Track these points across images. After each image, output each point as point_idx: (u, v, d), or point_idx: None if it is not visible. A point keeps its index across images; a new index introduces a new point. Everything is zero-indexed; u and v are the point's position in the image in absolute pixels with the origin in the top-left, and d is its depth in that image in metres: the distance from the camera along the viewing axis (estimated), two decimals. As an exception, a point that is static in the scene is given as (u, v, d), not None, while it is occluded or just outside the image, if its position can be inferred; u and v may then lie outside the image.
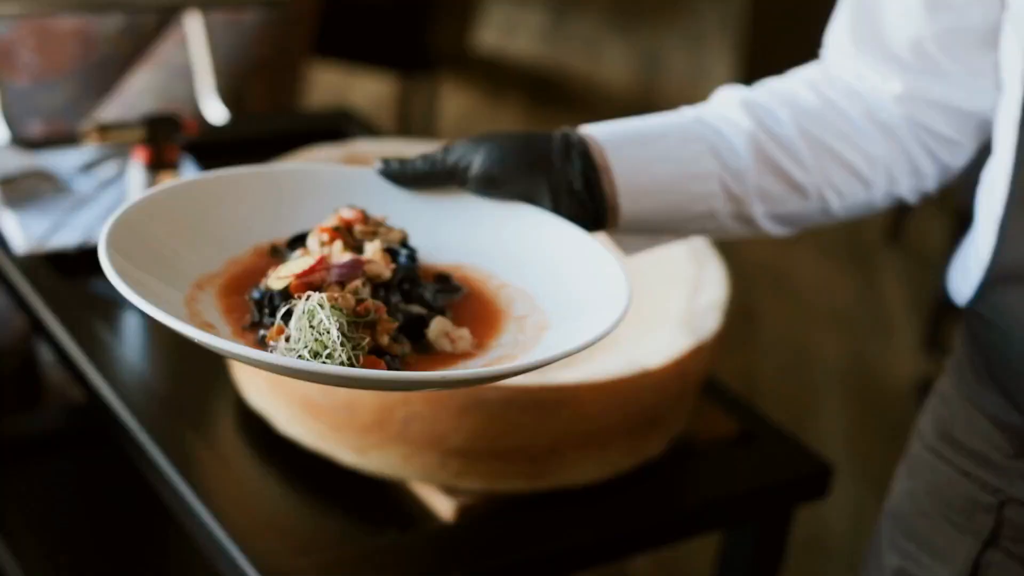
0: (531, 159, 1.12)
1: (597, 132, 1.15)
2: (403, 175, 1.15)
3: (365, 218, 1.10)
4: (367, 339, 0.97)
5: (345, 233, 1.08)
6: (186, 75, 2.35)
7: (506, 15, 5.31)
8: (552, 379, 1.38)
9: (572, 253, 1.09)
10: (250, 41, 2.51)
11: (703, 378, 1.54)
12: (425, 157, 1.14)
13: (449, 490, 1.43)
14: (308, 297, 0.97)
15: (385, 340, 0.98)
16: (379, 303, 1.00)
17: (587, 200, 1.12)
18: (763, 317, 3.65)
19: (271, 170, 1.17)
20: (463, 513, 1.43)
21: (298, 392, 1.43)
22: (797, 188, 1.18)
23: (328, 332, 0.95)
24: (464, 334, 1.03)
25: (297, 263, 1.04)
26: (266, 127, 2.25)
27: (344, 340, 0.95)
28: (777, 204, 1.18)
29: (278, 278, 1.03)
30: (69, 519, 2.00)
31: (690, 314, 1.51)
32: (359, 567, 1.36)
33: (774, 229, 1.20)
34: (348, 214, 1.09)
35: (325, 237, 1.07)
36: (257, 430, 1.50)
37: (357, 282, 1.01)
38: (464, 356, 1.02)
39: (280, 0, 2.25)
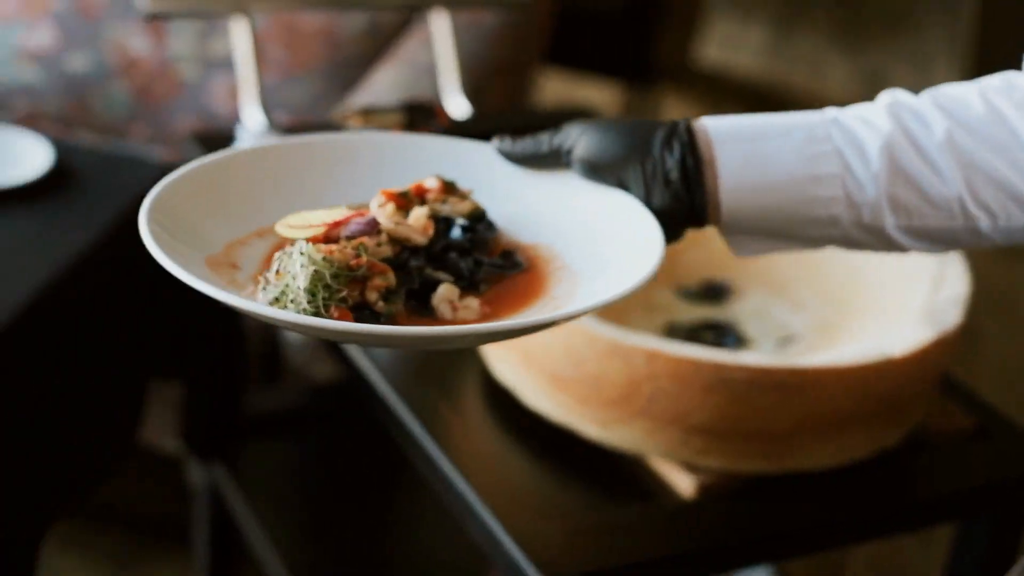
0: (629, 145, 1.10)
1: (710, 124, 1.10)
2: (512, 153, 1.17)
3: (447, 188, 1.13)
4: (344, 292, 1.00)
5: (411, 199, 1.12)
6: (429, 72, 2.43)
7: (729, 31, 5.32)
8: (796, 363, 1.41)
9: (628, 247, 1.08)
10: (490, 42, 2.58)
11: (943, 371, 1.55)
12: (536, 137, 1.15)
13: (689, 467, 1.47)
14: (295, 245, 1.02)
15: (373, 296, 1.01)
16: (378, 262, 1.03)
17: (682, 192, 1.09)
18: (986, 338, 3.60)
19: (392, 137, 1.21)
20: (703, 491, 1.46)
21: (547, 367, 1.48)
22: (932, 202, 1.09)
23: (295, 279, 1.00)
24: (471, 304, 1.05)
25: (315, 214, 1.08)
26: (506, 123, 2.30)
27: (318, 290, 0.99)
28: (913, 217, 1.09)
29: (288, 226, 1.08)
30: (314, 494, 2.09)
31: (932, 307, 1.52)
32: (602, 536, 1.40)
33: (913, 244, 1.11)
34: (431, 183, 1.13)
35: (382, 199, 1.11)
36: (503, 402, 1.56)
37: (364, 239, 1.05)
38: (461, 324, 1.04)
39: (524, 0, 2.31)
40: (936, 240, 1.11)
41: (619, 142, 1.10)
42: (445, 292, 1.05)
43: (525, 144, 1.16)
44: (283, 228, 1.08)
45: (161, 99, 2.65)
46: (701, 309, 1.70)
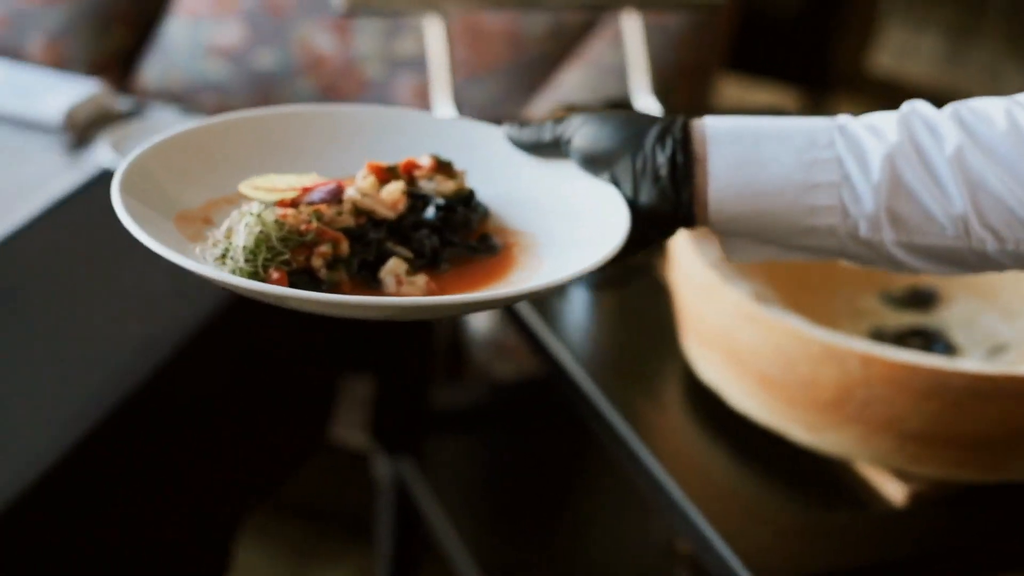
0: (623, 139, 1.06)
1: (710, 122, 1.05)
2: (518, 139, 1.14)
3: (440, 167, 1.12)
4: (288, 255, 0.99)
5: (398, 174, 1.11)
6: (614, 73, 2.43)
7: (902, 39, 5.25)
8: (1018, 371, 1.37)
9: (590, 241, 1.04)
10: (676, 44, 2.57)
11: None
12: (540, 125, 1.12)
13: (901, 475, 1.44)
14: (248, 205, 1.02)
15: (318, 263, 1.01)
16: (329, 229, 1.02)
17: (670, 190, 1.04)
18: None
19: (403, 113, 1.20)
20: (914, 499, 1.43)
21: (756, 368, 1.46)
22: (934, 219, 1.02)
23: (238, 237, 0.99)
24: (417, 280, 1.03)
25: (283, 178, 1.08)
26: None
27: (260, 251, 0.98)
28: (914, 234, 1.03)
29: (253, 187, 1.07)
30: (498, 489, 2.10)
31: None
32: (811, 540, 1.38)
33: (915, 263, 1.05)
34: (424, 160, 1.12)
35: (366, 171, 1.11)
36: (706, 402, 1.55)
37: (322, 206, 1.04)
38: (392, 297, 1.03)
39: (717, 2, 2.30)
40: (941, 260, 1.05)
41: (613, 135, 1.06)
42: (392, 266, 1.04)
43: (530, 131, 1.13)
44: (247, 188, 1.08)
45: (346, 97, 2.68)
46: (908, 315, 1.67)
